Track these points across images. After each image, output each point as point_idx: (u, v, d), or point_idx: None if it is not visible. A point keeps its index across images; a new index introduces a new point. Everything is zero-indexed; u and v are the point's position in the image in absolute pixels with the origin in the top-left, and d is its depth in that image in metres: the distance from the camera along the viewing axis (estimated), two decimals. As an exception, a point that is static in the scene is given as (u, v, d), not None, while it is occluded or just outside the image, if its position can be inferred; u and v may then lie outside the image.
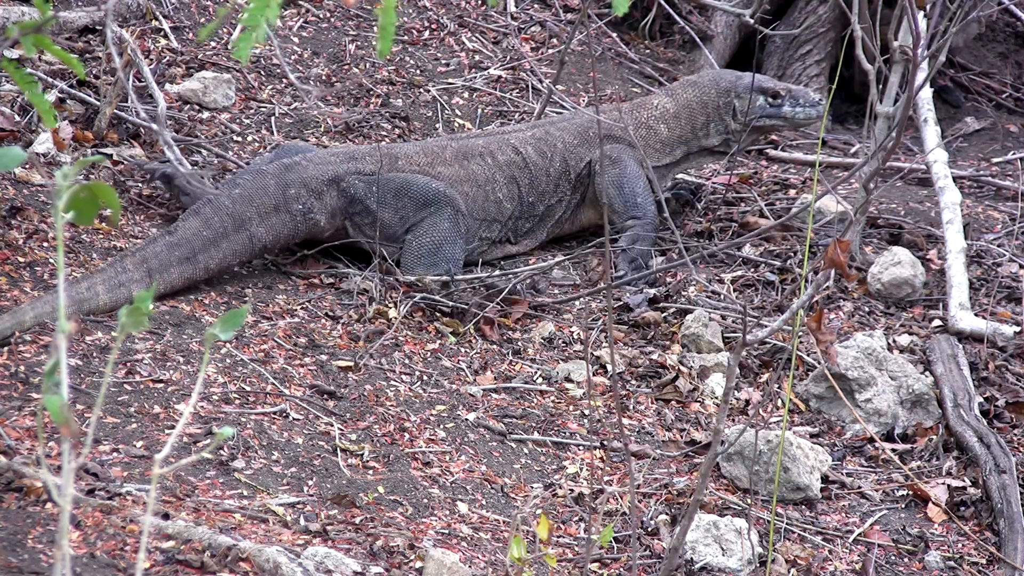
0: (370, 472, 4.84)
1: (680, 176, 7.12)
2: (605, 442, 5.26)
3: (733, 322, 6.02)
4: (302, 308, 5.67)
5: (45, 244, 5.60)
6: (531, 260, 6.42)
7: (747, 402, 5.62)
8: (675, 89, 6.98)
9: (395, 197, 6.19)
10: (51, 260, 5.54)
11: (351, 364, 5.36)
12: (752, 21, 7.70)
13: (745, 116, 6.87)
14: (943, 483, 5.27)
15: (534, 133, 6.67)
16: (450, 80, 7.65)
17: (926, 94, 7.13)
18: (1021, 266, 6.66)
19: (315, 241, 6.16)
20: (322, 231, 6.14)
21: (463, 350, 5.67)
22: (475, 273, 6.12)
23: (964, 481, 5.28)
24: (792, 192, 7.36)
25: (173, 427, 4.71)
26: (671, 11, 8.30)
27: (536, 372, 5.61)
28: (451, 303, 5.82)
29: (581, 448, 5.23)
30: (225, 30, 7.41)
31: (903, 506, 5.22)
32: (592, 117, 6.78)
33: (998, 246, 6.81)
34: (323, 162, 6.18)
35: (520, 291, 5.99)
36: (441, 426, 5.17)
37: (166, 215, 6.11)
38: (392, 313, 5.70)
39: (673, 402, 5.59)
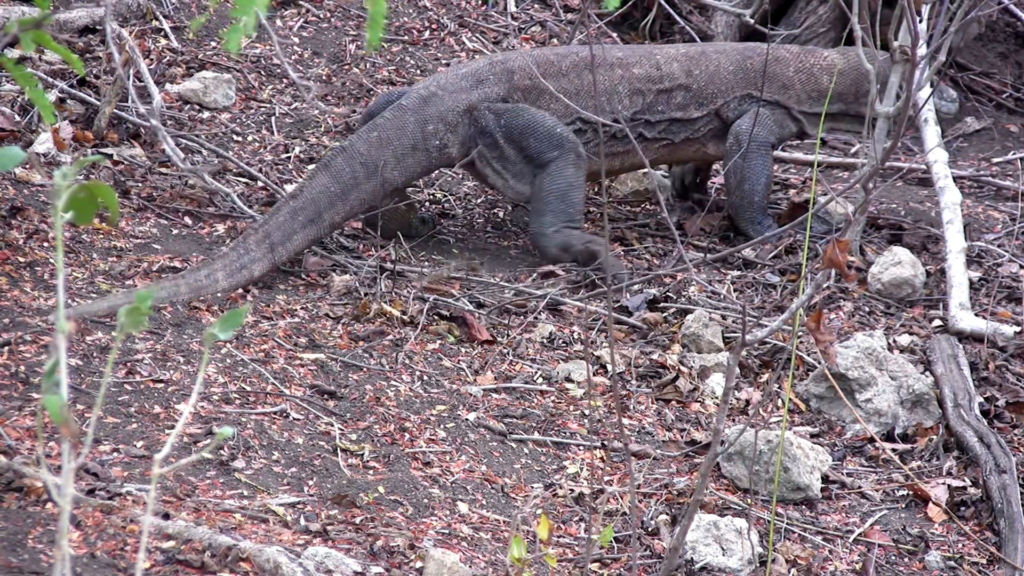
0: (370, 472, 4.84)
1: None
2: (605, 442, 5.26)
3: (733, 322, 6.01)
4: (302, 308, 5.67)
5: (45, 244, 5.60)
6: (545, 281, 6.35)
7: (747, 402, 5.61)
8: (847, 50, 7.00)
9: (521, 135, 6.26)
10: (51, 260, 5.54)
11: (351, 362, 5.37)
12: (752, 21, 7.70)
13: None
14: (943, 483, 5.27)
15: (687, 51, 6.73)
16: (450, 80, 7.64)
17: (926, 94, 7.13)
18: (1021, 266, 6.66)
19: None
20: (452, 162, 6.30)
21: (463, 350, 5.67)
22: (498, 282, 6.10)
23: (964, 481, 5.28)
24: (792, 192, 7.36)
25: (173, 427, 4.71)
26: (671, 11, 8.30)
27: (536, 372, 5.61)
28: (454, 305, 5.82)
29: (581, 448, 5.23)
30: (225, 30, 7.41)
31: (903, 506, 5.22)
32: (753, 47, 6.82)
33: (998, 246, 6.81)
34: (456, 89, 6.29)
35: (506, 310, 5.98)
36: (441, 426, 5.17)
37: (166, 215, 6.11)
38: (396, 312, 5.70)
39: (673, 402, 5.59)
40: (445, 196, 6.90)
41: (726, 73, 6.73)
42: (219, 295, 5.59)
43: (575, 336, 5.84)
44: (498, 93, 6.35)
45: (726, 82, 6.72)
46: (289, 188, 6.45)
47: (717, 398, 5.61)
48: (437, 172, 6.88)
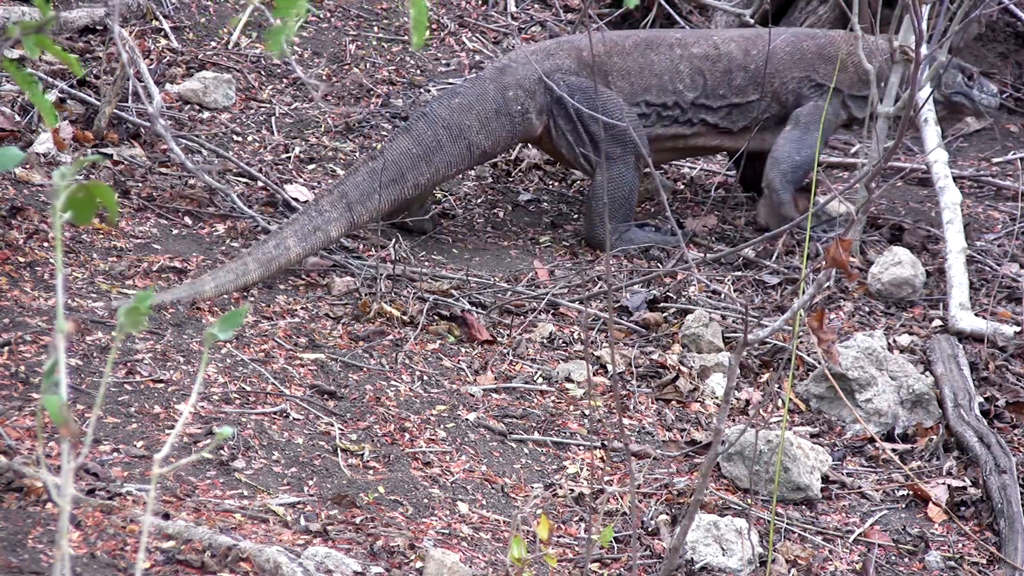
0: (370, 472, 4.83)
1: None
2: (605, 442, 5.25)
3: (733, 322, 6.01)
4: (302, 308, 5.67)
5: (45, 244, 5.60)
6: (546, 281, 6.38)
7: (747, 402, 5.61)
8: (882, 36, 7.03)
9: (591, 119, 6.31)
10: (51, 260, 5.54)
11: (351, 362, 5.37)
12: (752, 21, 7.69)
13: (946, 88, 6.92)
14: (943, 483, 5.27)
15: (741, 32, 6.77)
16: (450, 80, 7.64)
17: (926, 94, 7.13)
18: (1021, 266, 6.65)
19: (524, 144, 6.51)
20: (534, 130, 6.35)
21: (463, 350, 5.67)
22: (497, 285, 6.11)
23: (964, 481, 5.28)
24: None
25: (173, 427, 4.71)
26: (671, 11, 8.30)
27: (536, 372, 5.60)
28: (456, 305, 5.82)
29: (581, 448, 5.23)
30: (225, 30, 7.41)
31: (903, 506, 5.22)
32: (803, 31, 6.84)
33: (998, 246, 6.81)
34: (527, 61, 6.37)
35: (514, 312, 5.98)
36: (441, 426, 5.17)
37: (166, 215, 6.10)
38: (396, 312, 5.70)
39: (673, 402, 5.58)
40: (445, 196, 6.89)
41: (783, 54, 6.73)
42: (293, 264, 5.61)
43: (575, 336, 5.84)
44: (569, 65, 6.39)
45: (783, 63, 6.72)
46: (289, 188, 6.45)
47: (717, 398, 5.61)
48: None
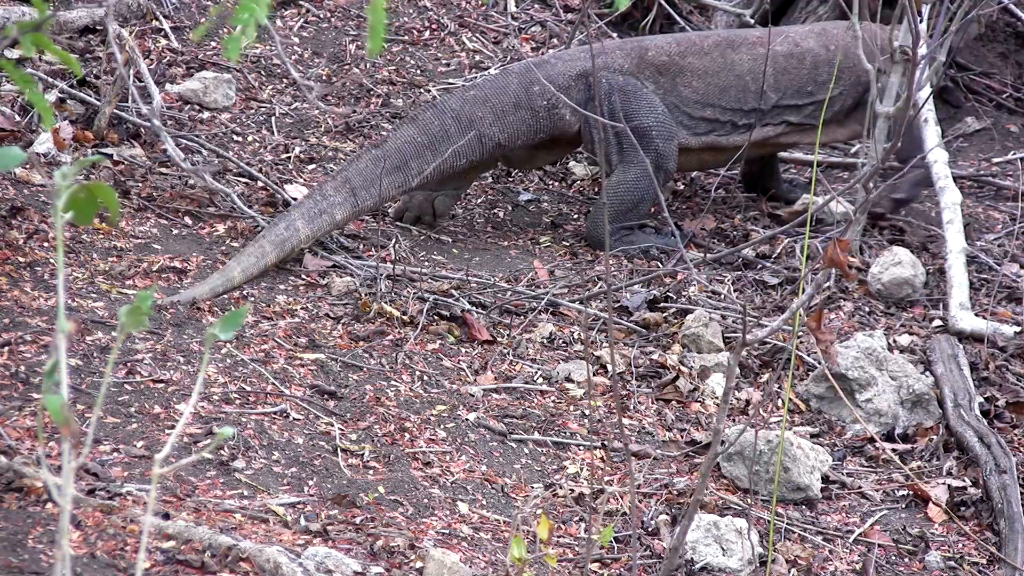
0: (370, 472, 4.83)
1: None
2: (605, 442, 5.26)
3: (733, 322, 6.01)
4: (302, 308, 5.67)
5: (45, 244, 5.60)
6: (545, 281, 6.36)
7: (747, 402, 5.61)
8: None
9: (626, 118, 6.26)
10: (51, 260, 5.54)
11: (351, 362, 5.37)
12: (752, 21, 7.69)
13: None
14: (943, 483, 5.27)
15: (811, 28, 6.72)
16: (450, 80, 7.64)
17: (926, 94, 7.13)
18: (1021, 266, 6.65)
19: (560, 141, 6.38)
20: (568, 127, 6.29)
21: (463, 350, 5.67)
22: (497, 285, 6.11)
23: (964, 481, 5.28)
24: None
25: (173, 427, 4.71)
26: (671, 11, 8.30)
27: (536, 372, 5.60)
28: (456, 305, 5.82)
29: (581, 448, 5.23)
30: (226, 30, 7.41)
31: (903, 506, 5.22)
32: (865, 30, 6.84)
33: (998, 246, 6.81)
34: (572, 58, 6.31)
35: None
36: (441, 426, 5.17)
37: (166, 215, 6.10)
38: (396, 312, 5.70)
39: (673, 402, 5.58)
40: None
41: (853, 47, 6.71)
42: (304, 245, 5.65)
43: (575, 336, 5.84)
44: (621, 64, 6.34)
45: (855, 55, 6.70)
46: (289, 188, 6.45)
47: (717, 398, 5.61)
48: None
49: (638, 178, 6.34)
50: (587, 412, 5.41)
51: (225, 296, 5.56)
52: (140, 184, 6.23)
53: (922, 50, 6.22)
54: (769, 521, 4.83)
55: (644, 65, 6.43)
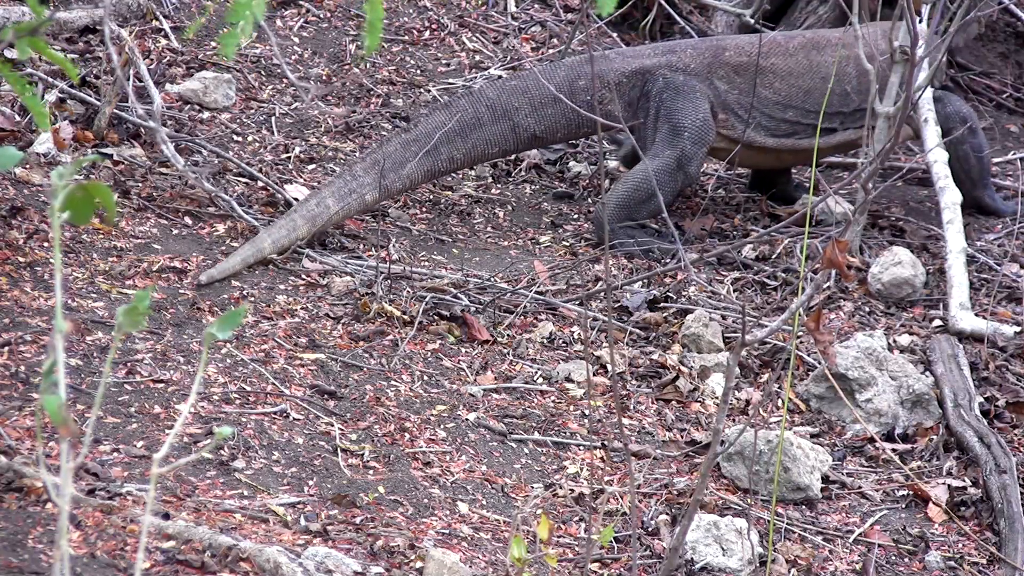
0: (370, 472, 4.84)
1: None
2: (605, 442, 5.26)
3: (733, 322, 6.01)
4: (302, 308, 5.67)
5: (45, 244, 5.60)
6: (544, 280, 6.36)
7: (747, 402, 5.61)
8: None
9: (667, 115, 6.21)
10: (51, 260, 5.54)
11: (351, 362, 5.37)
12: (752, 21, 7.69)
13: None
14: (943, 483, 5.27)
15: (873, 30, 6.66)
16: (450, 80, 7.64)
17: (926, 94, 7.13)
18: (1021, 266, 6.65)
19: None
20: (616, 120, 6.24)
21: (463, 350, 5.67)
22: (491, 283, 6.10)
23: (964, 481, 5.28)
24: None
25: (173, 427, 4.71)
26: (671, 11, 8.30)
27: (536, 372, 5.60)
28: (456, 304, 5.82)
29: (581, 448, 5.23)
30: (225, 30, 7.41)
31: (903, 506, 5.22)
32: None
33: (998, 246, 6.81)
34: (634, 55, 6.26)
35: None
36: (441, 426, 5.17)
37: (166, 215, 6.10)
38: (396, 312, 5.70)
39: (673, 402, 5.58)
40: (445, 196, 6.89)
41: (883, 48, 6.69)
42: (334, 223, 5.75)
43: (575, 336, 5.84)
44: (687, 64, 6.30)
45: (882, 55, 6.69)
46: (289, 188, 6.45)
47: (717, 398, 5.61)
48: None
49: (659, 171, 6.32)
50: (587, 412, 5.41)
51: (225, 296, 5.56)
52: (140, 184, 6.24)
53: (921, 50, 6.22)
54: (769, 521, 4.82)
55: (718, 65, 6.38)
